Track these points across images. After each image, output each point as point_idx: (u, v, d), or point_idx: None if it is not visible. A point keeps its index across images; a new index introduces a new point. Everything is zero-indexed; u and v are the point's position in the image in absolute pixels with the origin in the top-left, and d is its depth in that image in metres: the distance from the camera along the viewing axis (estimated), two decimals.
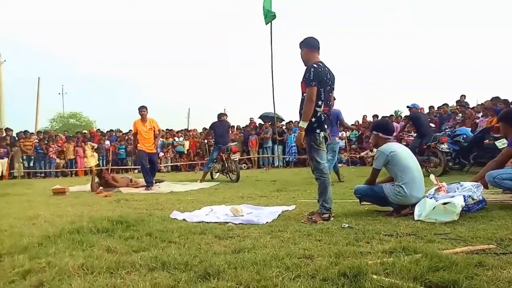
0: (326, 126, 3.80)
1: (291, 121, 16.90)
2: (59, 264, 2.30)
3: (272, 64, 13.09)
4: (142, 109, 8.20)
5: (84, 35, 77.48)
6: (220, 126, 9.63)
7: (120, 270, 2.22)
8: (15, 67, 64.97)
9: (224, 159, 9.30)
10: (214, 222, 3.74)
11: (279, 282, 1.93)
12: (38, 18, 74.22)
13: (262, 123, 17.26)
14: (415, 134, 9.06)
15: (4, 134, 15.30)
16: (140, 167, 8.84)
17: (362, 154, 15.09)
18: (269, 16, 12.55)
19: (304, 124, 3.66)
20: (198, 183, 8.67)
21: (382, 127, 4.15)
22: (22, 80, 61.17)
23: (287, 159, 15.66)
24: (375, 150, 4.67)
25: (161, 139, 16.99)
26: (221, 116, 9.85)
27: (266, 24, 12.71)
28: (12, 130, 15.76)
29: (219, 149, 9.33)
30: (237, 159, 9.25)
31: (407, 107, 9.29)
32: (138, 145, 8.15)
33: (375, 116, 15.30)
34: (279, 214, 4.07)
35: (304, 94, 3.73)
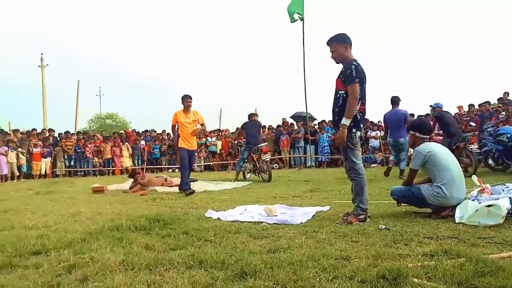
0: (361, 125, 3.72)
1: (323, 121, 16.73)
2: (101, 260, 2.38)
3: (304, 63, 13.02)
4: (187, 99, 7.06)
5: (121, 37, 79.97)
6: (251, 126, 9.66)
7: (158, 267, 2.27)
8: (57, 71, 68.06)
9: (255, 159, 9.33)
10: (248, 222, 3.75)
11: (317, 283, 1.92)
12: (78, 22, 77.30)
13: (294, 122, 17.18)
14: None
15: (47, 134, 16.06)
16: (179, 167, 7.83)
17: None
18: (292, 17, 12.57)
19: (347, 122, 3.53)
20: (231, 183, 8.74)
21: (419, 127, 4.03)
22: (63, 83, 64.03)
23: (320, 159, 15.50)
24: (411, 150, 4.54)
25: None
26: (252, 116, 9.89)
27: (292, 22, 12.70)
28: (54, 131, 16.53)
29: (249, 149, 9.36)
30: (268, 159, 9.24)
31: (430, 106, 9.00)
32: (180, 140, 7.08)
33: (411, 115, 14.86)
34: (313, 215, 4.04)
35: (340, 92, 3.65)
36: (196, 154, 16.35)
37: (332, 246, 2.70)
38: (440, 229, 3.09)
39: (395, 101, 8.47)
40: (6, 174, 13.21)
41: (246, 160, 9.59)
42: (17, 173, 13.58)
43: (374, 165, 14.70)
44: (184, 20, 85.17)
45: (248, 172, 10.01)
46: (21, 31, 66.75)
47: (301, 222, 3.64)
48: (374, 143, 15.55)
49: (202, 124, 7.39)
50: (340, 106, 3.64)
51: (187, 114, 7.06)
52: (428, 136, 4.06)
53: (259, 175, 9.42)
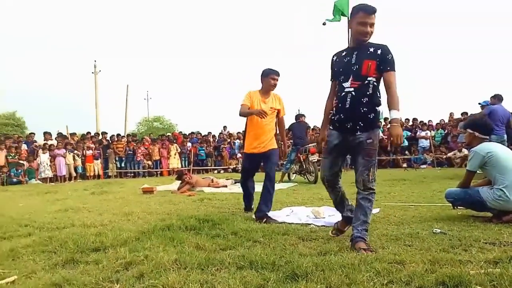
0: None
1: None
2: (155, 258, 2.46)
3: None
4: (273, 75, 4.43)
5: (166, 42, 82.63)
6: (298, 127, 9.60)
7: (210, 267, 2.31)
8: (109, 76, 71.64)
9: (302, 160, 9.26)
10: (296, 223, 3.73)
11: (371, 287, 1.86)
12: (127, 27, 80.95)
13: None
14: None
15: (101, 137, 16.92)
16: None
17: (449, 154, 14.02)
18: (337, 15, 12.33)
19: (399, 115, 2.76)
20: (276, 184, 8.72)
21: (479, 126, 3.80)
22: (113, 88, 67.39)
23: None
24: (464, 150, 4.31)
25: (238, 140, 17.53)
26: (299, 117, 9.84)
27: (331, 21, 12.49)
28: (107, 133, 17.38)
29: (297, 150, 9.31)
30: (316, 160, 9.15)
31: (479, 104, 8.47)
32: (247, 140, 4.65)
33: (464, 113, 14.12)
34: None
35: (369, 79, 2.78)
36: (241, 155, 16.66)
37: (385, 249, 2.62)
38: (503, 235, 2.90)
39: (499, 98, 8.04)
40: (64, 175, 14.09)
41: (293, 161, 9.55)
42: (73, 173, 14.44)
43: (424, 166, 14.10)
44: (222, 20, 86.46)
45: (293, 173, 9.96)
46: (76, 39, 70.91)
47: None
48: (424, 143, 14.92)
49: (281, 121, 4.73)
50: (370, 96, 2.78)
51: (266, 97, 4.48)
52: (487, 137, 3.83)
53: (305, 176, 9.34)
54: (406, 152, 15.19)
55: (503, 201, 3.39)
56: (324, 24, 12.59)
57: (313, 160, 9.02)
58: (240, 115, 4.42)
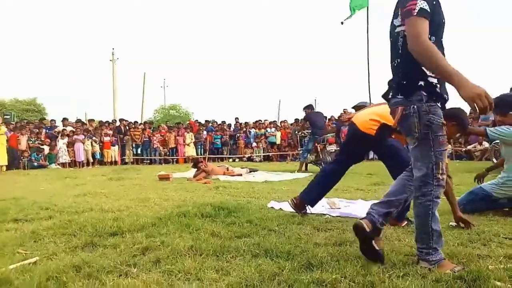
0: None
1: None
2: (172, 244, 2.49)
3: (368, 52, 12.59)
4: None
5: (184, 32, 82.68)
6: (318, 117, 9.56)
7: (225, 254, 2.33)
8: (126, 64, 72.33)
9: (319, 150, 9.23)
10: (311, 213, 3.72)
11: (387, 279, 1.85)
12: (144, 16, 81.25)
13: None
14: None
15: (119, 123, 17.16)
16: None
17: (469, 147, 13.74)
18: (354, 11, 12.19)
19: None
20: (291, 174, 8.73)
21: None
22: (130, 75, 68.12)
23: None
24: (485, 143, 4.21)
25: (254, 129, 17.56)
26: (309, 108, 9.82)
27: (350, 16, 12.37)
28: (125, 120, 17.61)
29: (315, 140, 9.28)
30: (333, 150, 9.10)
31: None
32: None
33: None
34: None
35: None
36: (256, 144, 16.69)
37: (401, 241, 2.60)
38: None
39: None
40: (82, 161, 14.38)
41: (310, 150, 9.53)
42: (91, 159, 14.73)
43: None
44: (240, 11, 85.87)
45: (309, 163, 9.94)
46: (95, 27, 71.61)
47: None
48: None
49: None
50: None
51: None
52: None
53: (321, 166, 9.31)
54: None
55: (508, 186, 3.29)
56: (342, 23, 12.49)
57: (331, 150, 8.97)
58: None
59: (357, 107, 17.66)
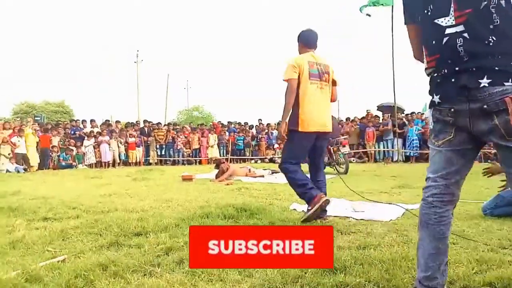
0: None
1: (413, 112, 15.76)
2: None
3: (393, 51, 12.38)
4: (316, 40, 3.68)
5: (207, 34, 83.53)
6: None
7: None
8: (150, 65, 73.76)
9: (333, 151, 9.18)
10: (334, 216, 3.68)
11: (411, 285, 1.81)
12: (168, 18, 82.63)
13: (381, 114, 16.38)
14: None
15: (143, 125, 17.48)
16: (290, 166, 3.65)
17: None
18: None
19: None
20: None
21: None
22: (154, 77, 69.42)
23: (408, 153, 14.62)
24: None
25: (276, 130, 17.52)
26: None
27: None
28: (149, 122, 17.92)
29: (328, 142, 9.25)
30: (347, 152, 9.06)
31: None
32: (300, 114, 3.41)
33: None
34: (403, 213, 3.82)
35: None
36: (278, 146, 16.70)
37: None
38: None
39: None
40: (108, 161, 14.72)
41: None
42: (117, 160, 15.05)
43: None
44: (263, 13, 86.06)
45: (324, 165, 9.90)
46: (119, 29, 73.31)
47: (391, 220, 3.47)
48: None
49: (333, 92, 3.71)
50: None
51: (315, 63, 3.53)
52: None
53: (334, 167, 9.25)
54: None
55: None
56: (368, 15, 12.29)
57: (346, 152, 8.94)
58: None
59: (382, 108, 17.36)
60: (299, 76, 3.43)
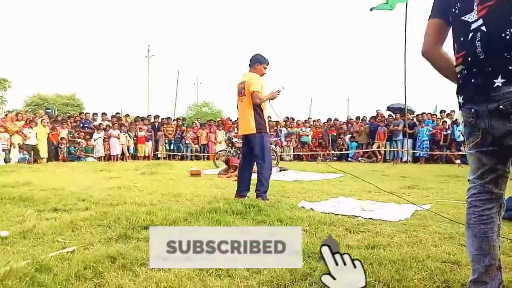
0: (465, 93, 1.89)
1: (423, 113, 15.59)
2: None
3: (405, 50, 12.25)
4: (266, 64, 4.78)
5: (217, 32, 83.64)
6: None
7: None
8: (161, 61, 74.08)
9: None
10: (342, 215, 3.66)
11: (423, 286, 1.79)
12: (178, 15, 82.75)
13: (393, 114, 16.23)
14: None
15: (153, 120, 17.56)
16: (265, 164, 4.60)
17: None
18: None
19: None
20: (321, 174, 8.63)
21: None
22: (164, 72, 69.74)
23: (417, 154, 14.48)
24: None
25: (284, 128, 17.48)
26: None
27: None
28: (159, 117, 17.99)
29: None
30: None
31: None
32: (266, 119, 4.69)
33: None
34: (413, 213, 3.79)
35: None
36: (286, 143, 16.72)
37: (437, 248, 2.50)
38: None
39: None
40: (117, 154, 14.83)
41: None
42: (126, 153, 15.15)
43: None
44: (271, 10, 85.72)
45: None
46: (131, 24, 73.60)
47: (400, 220, 3.43)
48: None
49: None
50: None
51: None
52: None
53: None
54: (462, 147, 14.39)
55: None
56: (371, 10, 12.15)
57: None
58: (263, 101, 4.57)
59: (392, 108, 17.18)
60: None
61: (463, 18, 1.58)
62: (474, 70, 1.54)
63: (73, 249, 2.37)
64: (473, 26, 1.54)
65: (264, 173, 4.54)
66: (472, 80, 1.54)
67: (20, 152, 12.58)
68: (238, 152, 10.20)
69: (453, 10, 1.62)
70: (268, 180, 4.59)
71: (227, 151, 10.67)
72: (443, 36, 1.71)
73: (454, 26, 1.66)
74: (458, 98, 1.64)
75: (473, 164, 1.67)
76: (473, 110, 1.54)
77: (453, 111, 15.21)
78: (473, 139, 1.61)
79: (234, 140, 10.65)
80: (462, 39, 1.59)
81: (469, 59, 1.55)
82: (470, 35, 1.54)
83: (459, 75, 1.65)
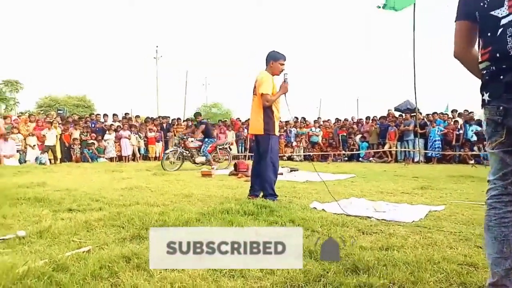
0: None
1: (435, 113, 15.42)
2: None
3: (414, 50, 12.11)
4: (283, 60, 4.64)
5: (225, 32, 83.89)
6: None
7: None
8: (169, 62, 74.51)
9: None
10: (354, 216, 3.64)
11: None
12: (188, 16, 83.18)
13: (403, 114, 16.08)
14: None
15: (162, 120, 17.67)
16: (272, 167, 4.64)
17: None
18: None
19: None
20: (333, 174, 8.59)
21: None
22: (173, 73, 70.26)
23: (429, 154, 14.31)
24: None
25: (294, 128, 17.44)
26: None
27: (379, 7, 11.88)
28: (169, 117, 18.09)
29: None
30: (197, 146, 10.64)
31: None
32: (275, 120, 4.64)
33: None
34: (426, 214, 3.75)
35: None
36: (296, 143, 16.69)
37: (453, 249, 2.47)
38: None
39: None
40: (129, 155, 14.94)
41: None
42: (137, 154, 15.27)
43: None
44: (279, 10, 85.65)
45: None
46: (139, 25, 74.18)
47: (413, 221, 3.40)
48: None
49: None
50: None
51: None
52: None
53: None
54: (475, 147, 14.20)
55: None
56: (378, 7, 12.03)
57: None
58: (271, 103, 4.54)
59: (399, 109, 17.02)
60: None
61: (492, 13, 1.55)
62: (504, 66, 1.51)
63: (88, 249, 2.40)
64: (503, 21, 1.51)
65: (265, 175, 4.53)
66: (501, 77, 1.51)
67: (41, 153, 12.83)
68: (193, 151, 10.36)
69: (482, 4, 1.59)
70: (270, 181, 4.56)
71: (178, 152, 10.32)
72: (475, 37, 1.69)
73: (481, 21, 1.62)
74: (483, 96, 1.61)
75: (495, 164, 1.62)
76: (501, 108, 1.51)
77: (466, 110, 15.02)
78: (497, 138, 1.56)
79: (190, 139, 10.39)
80: (489, 34, 1.56)
81: (498, 55, 1.52)
82: (500, 30, 1.52)
83: (484, 71, 1.61)
